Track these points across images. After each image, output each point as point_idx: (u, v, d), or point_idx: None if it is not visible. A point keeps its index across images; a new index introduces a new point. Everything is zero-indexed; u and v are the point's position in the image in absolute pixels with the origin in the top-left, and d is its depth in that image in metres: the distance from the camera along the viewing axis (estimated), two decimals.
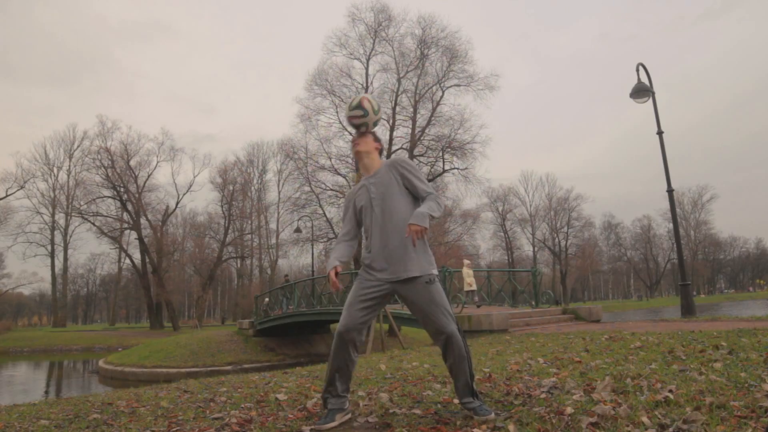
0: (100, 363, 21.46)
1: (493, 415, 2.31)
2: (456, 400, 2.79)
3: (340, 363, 2.40)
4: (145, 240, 39.27)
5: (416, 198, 2.44)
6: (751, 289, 77.65)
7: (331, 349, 2.44)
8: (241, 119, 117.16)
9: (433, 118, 28.01)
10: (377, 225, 2.40)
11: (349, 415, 2.49)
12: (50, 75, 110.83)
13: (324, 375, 2.50)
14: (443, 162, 28.05)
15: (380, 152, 2.59)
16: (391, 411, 2.59)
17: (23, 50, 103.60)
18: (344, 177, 27.94)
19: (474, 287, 13.19)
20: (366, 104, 2.46)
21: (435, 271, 2.42)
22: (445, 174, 28.25)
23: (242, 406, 3.12)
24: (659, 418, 2.08)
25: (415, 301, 2.37)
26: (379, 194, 2.42)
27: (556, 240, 61.05)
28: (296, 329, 20.78)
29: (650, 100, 10.99)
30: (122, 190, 38.56)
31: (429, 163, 28.64)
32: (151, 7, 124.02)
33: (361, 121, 2.48)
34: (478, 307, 12.70)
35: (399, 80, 27.81)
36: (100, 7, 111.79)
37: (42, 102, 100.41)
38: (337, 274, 2.39)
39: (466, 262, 13.81)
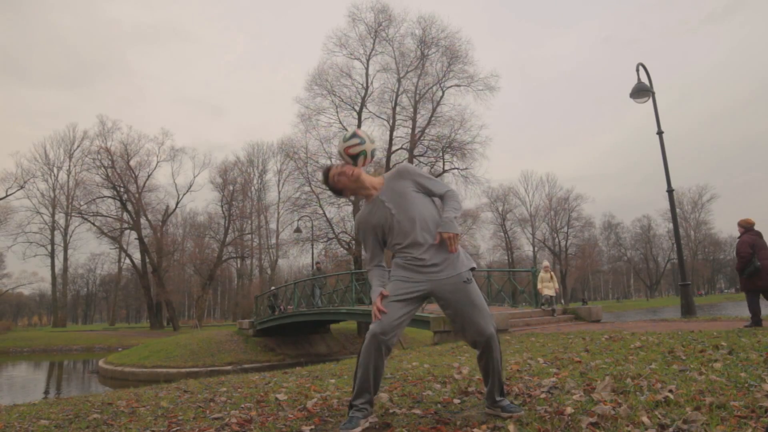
0: (100, 363, 21.45)
1: (522, 411, 2.35)
2: (456, 400, 2.79)
3: (369, 368, 2.25)
4: (145, 240, 39.26)
5: (431, 196, 2.41)
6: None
7: (358, 355, 2.29)
8: (247, 120, 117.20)
9: (433, 119, 28.01)
10: (407, 231, 2.31)
11: (375, 419, 2.39)
12: (63, 78, 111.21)
13: (353, 381, 2.33)
14: (443, 162, 28.08)
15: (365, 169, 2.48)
16: (391, 411, 2.59)
17: (38, 53, 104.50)
18: None
19: (550, 293, 11.95)
20: (360, 133, 2.40)
21: (473, 264, 2.38)
22: (445, 174, 28.25)
23: (242, 406, 3.12)
24: (659, 418, 2.08)
25: (452, 302, 2.29)
26: (396, 205, 2.34)
27: (556, 240, 61.05)
28: (296, 329, 20.76)
29: (650, 100, 11.00)
30: (122, 190, 38.56)
31: (429, 163, 28.62)
32: (162, 10, 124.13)
33: (359, 149, 2.35)
34: (544, 309, 11.75)
35: (399, 80, 27.80)
36: (115, 12, 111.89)
37: (54, 104, 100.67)
38: (381, 299, 2.28)
39: (545, 264, 12.69)
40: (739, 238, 6.94)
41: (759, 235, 6.81)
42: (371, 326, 2.25)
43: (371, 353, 2.23)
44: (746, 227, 6.90)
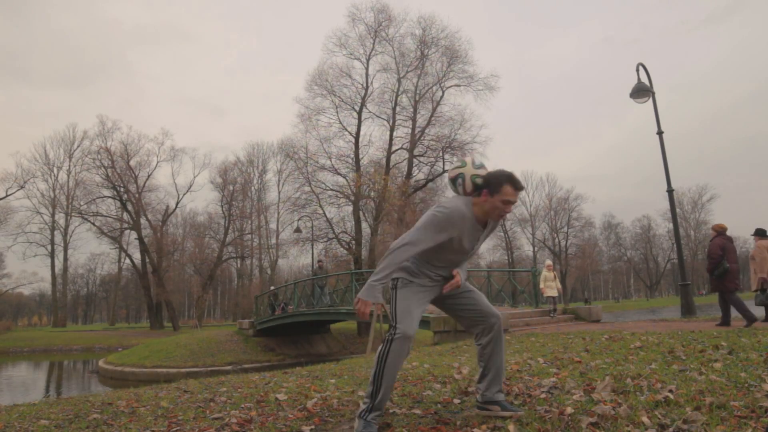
0: (100, 363, 21.44)
1: (522, 411, 2.34)
2: (456, 400, 2.79)
3: (398, 369, 2.25)
4: (145, 240, 39.24)
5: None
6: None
7: (385, 359, 2.20)
8: (247, 120, 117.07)
9: (433, 118, 28.01)
10: (455, 263, 2.45)
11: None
12: (64, 78, 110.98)
13: (374, 389, 2.23)
14: (443, 162, 28.04)
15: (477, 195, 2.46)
16: (391, 411, 2.59)
17: (39, 53, 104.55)
18: (344, 177, 27.95)
19: (553, 293, 11.69)
20: (466, 158, 2.51)
21: None
22: (445, 174, 28.24)
23: (242, 406, 3.12)
24: (659, 418, 2.08)
25: (467, 292, 2.47)
26: (479, 243, 2.48)
27: (556, 240, 61.07)
28: (296, 329, 20.76)
29: (650, 100, 11.00)
30: (122, 190, 38.53)
31: (429, 163, 28.64)
32: (163, 10, 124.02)
33: (456, 173, 2.45)
34: (552, 317, 11.32)
35: (399, 80, 27.81)
36: (116, 12, 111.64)
37: (55, 104, 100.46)
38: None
39: (548, 263, 12.45)
40: (711, 240, 7.28)
41: (730, 239, 7.19)
42: (401, 327, 2.21)
43: (401, 354, 2.22)
44: (719, 231, 7.28)
